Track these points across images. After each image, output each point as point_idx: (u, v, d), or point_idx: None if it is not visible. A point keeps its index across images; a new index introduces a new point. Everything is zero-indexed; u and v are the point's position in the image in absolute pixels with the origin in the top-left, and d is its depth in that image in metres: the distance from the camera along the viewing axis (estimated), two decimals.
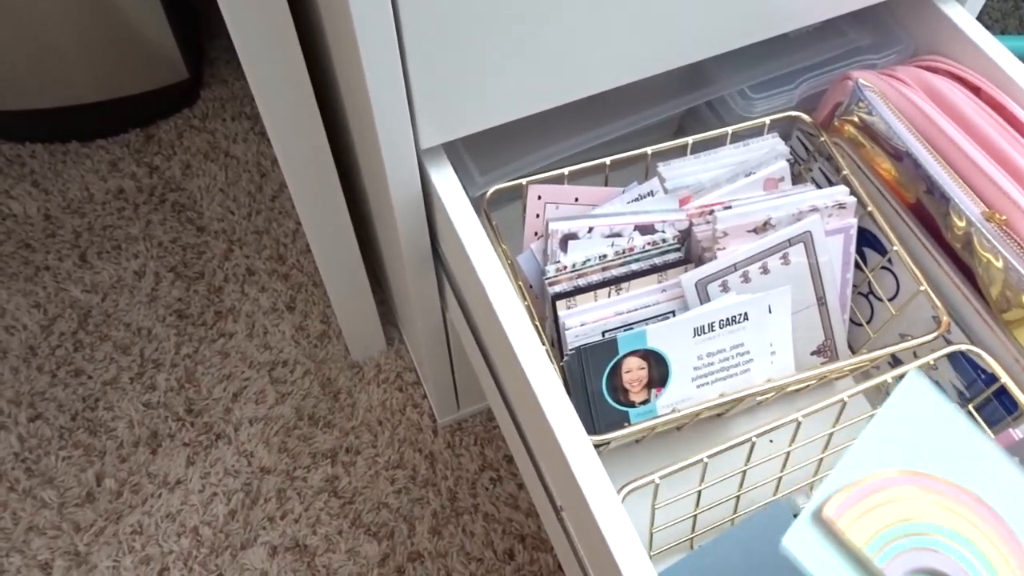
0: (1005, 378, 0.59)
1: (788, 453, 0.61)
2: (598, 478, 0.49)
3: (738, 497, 0.62)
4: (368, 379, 1.08)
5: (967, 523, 0.39)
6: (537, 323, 0.68)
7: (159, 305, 1.14)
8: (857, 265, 0.70)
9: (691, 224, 0.68)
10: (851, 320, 0.72)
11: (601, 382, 0.58)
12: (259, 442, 1.03)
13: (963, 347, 0.62)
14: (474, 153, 0.69)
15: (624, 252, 0.67)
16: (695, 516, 0.62)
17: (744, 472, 0.60)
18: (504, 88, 0.58)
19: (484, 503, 0.97)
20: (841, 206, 0.66)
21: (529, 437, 0.61)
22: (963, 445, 0.41)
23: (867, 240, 0.70)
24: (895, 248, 0.66)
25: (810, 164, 0.76)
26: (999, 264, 0.59)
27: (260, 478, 1.00)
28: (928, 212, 0.66)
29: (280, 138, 0.75)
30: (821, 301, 0.67)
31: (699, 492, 0.59)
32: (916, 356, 0.66)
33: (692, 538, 0.64)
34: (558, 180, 0.69)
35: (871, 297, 0.71)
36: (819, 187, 0.69)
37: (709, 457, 0.55)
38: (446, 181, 0.62)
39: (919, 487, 0.40)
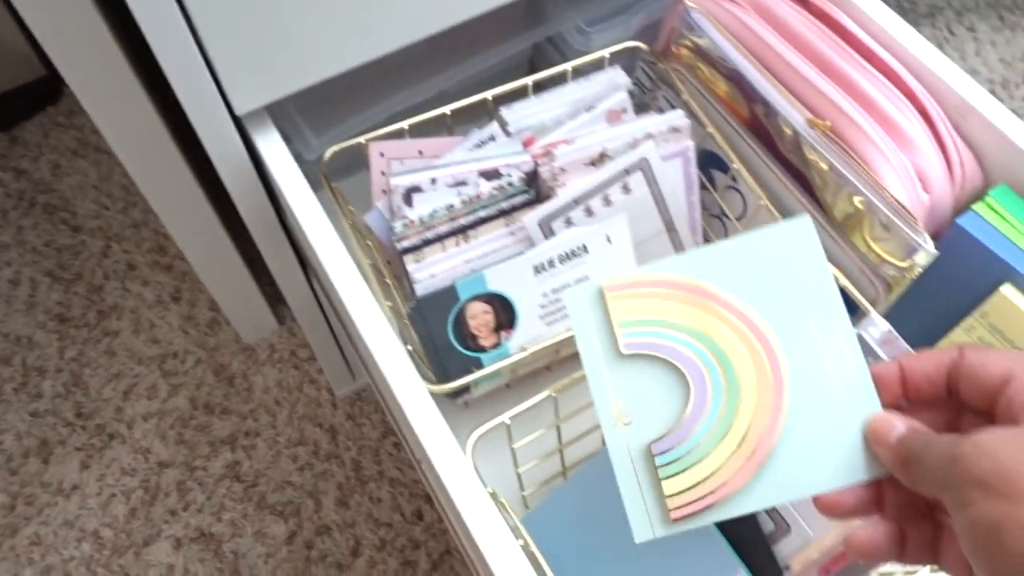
0: (843, 280, 0.61)
1: None
2: (434, 425, 0.49)
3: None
4: (262, 360, 1.06)
5: (735, 342, 0.41)
6: (390, 281, 0.67)
7: (38, 311, 1.10)
8: (706, 187, 0.71)
9: (537, 165, 0.67)
10: (707, 242, 0.73)
11: (447, 331, 0.58)
12: (155, 437, 1.00)
13: None
14: (307, 113, 0.67)
15: (471, 200, 0.67)
16: (561, 451, 0.62)
17: None
18: (314, 43, 0.57)
19: (389, 468, 0.97)
20: (676, 130, 0.66)
21: (384, 396, 0.61)
22: (802, 293, 0.41)
23: (713, 162, 0.71)
24: (735, 166, 0.67)
25: (655, 93, 0.76)
26: (824, 166, 0.60)
27: (159, 473, 0.98)
28: (764, 127, 0.67)
29: (109, 126, 0.72)
30: (670, 227, 0.67)
31: (557, 427, 0.59)
32: None
33: (565, 471, 0.65)
34: (399, 135, 0.68)
35: (723, 218, 0.72)
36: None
37: (557, 392, 0.56)
38: (271, 146, 0.60)
39: (700, 297, 0.42)
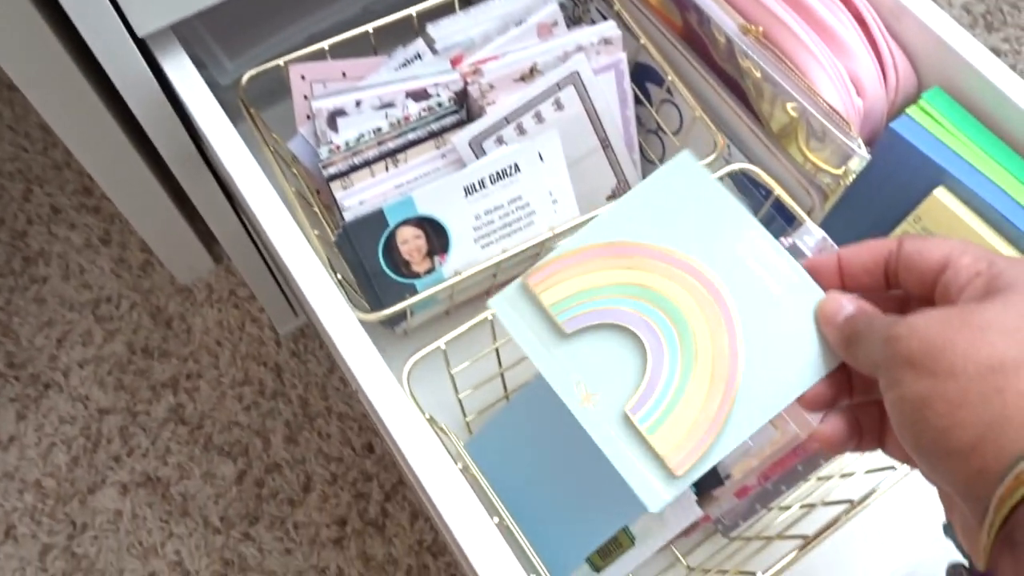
0: (778, 190, 0.60)
1: None
2: (364, 352, 0.47)
3: None
4: (200, 301, 1.03)
5: (672, 284, 0.40)
6: (319, 210, 0.65)
7: None
8: (641, 101, 0.69)
9: (466, 84, 0.65)
10: (645, 159, 0.72)
11: (378, 258, 0.56)
12: (93, 384, 0.98)
13: (740, 166, 0.62)
14: (219, 35, 0.64)
15: (400, 122, 0.64)
16: (502, 375, 0.61)
17: None
18: None
19: (337, 404, 0.96)
20: (607, 41, 0.64)
21: (317, 328, 0.59)
22: (713, 220, 0.41)
23: (647, 75, 0.69)
24: (670, 78, 0.65)
25: (587, 5, 0.73)
26: (757, 74, 0.59)
27: (99, 420, 0.96)
28: (699, 37, 0.65)
29: (10, 61, 0.67)
30: (605, 144, 0.66)
31: (496, 350, 0.58)
32: None
33: (508, 395, 0.64)
34: (320, 56, 0.65)
35: (659, 133, 0.71)
36: None
37: (494, 314, 0.55)
38: (181, 71, 0.56)
39: (621, 255, 0.41)
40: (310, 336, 1.00)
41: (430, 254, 0.58)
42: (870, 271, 0.36)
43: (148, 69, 0.56)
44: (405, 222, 0.56)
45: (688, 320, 0.40)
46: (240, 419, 0.96)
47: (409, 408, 0.47)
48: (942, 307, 0.30)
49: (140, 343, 1.00)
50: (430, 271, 0.58)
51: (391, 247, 0.57)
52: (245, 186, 0.52)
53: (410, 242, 0.57)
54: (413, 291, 0.58)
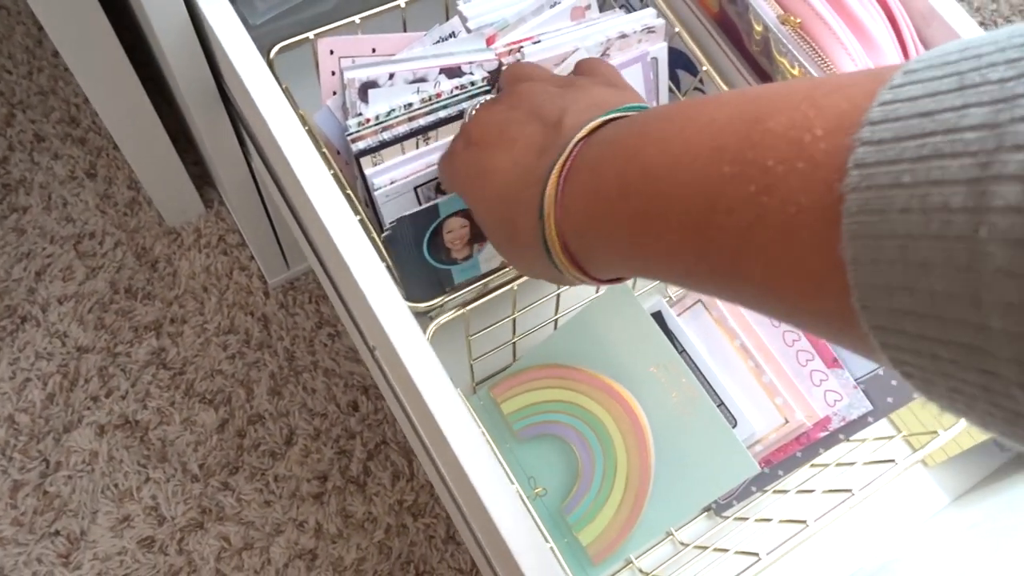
0: None
1: None
2: (402, 319, 0.47)
3: (556, 321, 0.63)
4: (188, 245, 1.01)
5: (599, 406, 0.52)
6: (350, 192, 0.64)
7: None
8: (672, 90, 0.69)
9: (500, 64, 0.64)
10: None
11: (422, 246, 0.56)
12: (72, 321, 0.95)
13: None
14: None
15: (431, 99, 0.63)
16: (514, 343, 0.62)
17: (558, 296, 0.60)
18: None
19: (324, 359, 0.96)
20: (650, 30, 0.64)
21: (339, 286, 0.59)
22: (636, 342, 0.52)
23: (680, 62, 0.69)
24: (705, 68, 0.65)
25: None
26: (795, 71, 0.60)
27: (78, 358, 0.94)
28: (732, 21, 0.65)
29: None
30: None
31: (514, 320, 0.59)
32: None
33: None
34: (350, 30, 0.64)
35: None
36: (632, 11, 0.66)
37: (519, 285, 0.55)
38: (216, 6, 0.55)
39: (561, 377, 0.54)
40: (299, 289, 0.99)
41: (470, 242, 0.58)
42: None
43: (183, 2, 0.55)
44: (455, 213, 0.56)
45: (612, 438, 0.51)
46: (224, 367, 0.94)
47: (440, 376, 0.47)
48: None
49: (123, 283, 0.98)
50: (467, 258, 0.58)
51: (436, 235, 0.56)
52: (281, 136, 0.52)
53: (456, 231, 0.57)
54: (448, 276, 0.58)
